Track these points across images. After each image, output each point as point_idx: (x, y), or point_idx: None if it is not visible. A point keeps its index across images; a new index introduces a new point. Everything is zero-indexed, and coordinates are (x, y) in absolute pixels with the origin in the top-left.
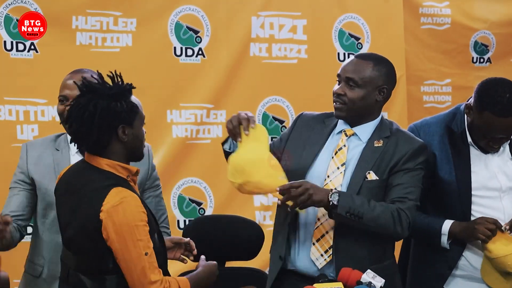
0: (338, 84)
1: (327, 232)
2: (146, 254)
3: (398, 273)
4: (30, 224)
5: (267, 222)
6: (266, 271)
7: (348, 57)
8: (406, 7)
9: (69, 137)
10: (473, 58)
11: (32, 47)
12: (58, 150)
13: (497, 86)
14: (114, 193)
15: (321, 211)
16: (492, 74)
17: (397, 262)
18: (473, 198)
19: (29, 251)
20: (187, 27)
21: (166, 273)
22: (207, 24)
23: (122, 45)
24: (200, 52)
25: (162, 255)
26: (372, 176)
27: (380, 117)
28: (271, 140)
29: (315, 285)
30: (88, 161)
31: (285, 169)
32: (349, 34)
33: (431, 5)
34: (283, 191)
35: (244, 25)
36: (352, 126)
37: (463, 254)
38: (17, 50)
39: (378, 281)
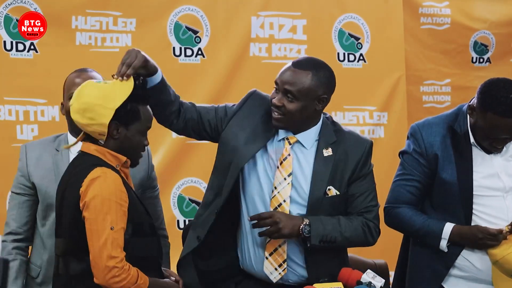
0: (276, 92)
1: (279, 246)
2: (112, 228)
3: None
4: (30, 244)
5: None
6: None
7: (348, 57)
8: (406, 7)
9: (69, 137)
10: (472, 58)
11: (32, 47)
12: (58, 150)
13: (500, 86)
14: (96, 170)
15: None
16: (492, 74)
17: (397, 260)
18: (475, 199)
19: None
20: (186, 27)
21: (159, 275)
22: (206, 24)
23: (122, 45)
24: (199, 52)
25: (155, 250)
26: (332, 191)
27: (321, 120)
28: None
29: (315, 285)
30: (81, 149)
31: (220, 154)
32: (349, 34)
33: (431, 5)
34: (253, 218)
35: (244, 25)
36: (294, 133)
37: (465, 255)
38: (17, 50)
39: (378, 281)
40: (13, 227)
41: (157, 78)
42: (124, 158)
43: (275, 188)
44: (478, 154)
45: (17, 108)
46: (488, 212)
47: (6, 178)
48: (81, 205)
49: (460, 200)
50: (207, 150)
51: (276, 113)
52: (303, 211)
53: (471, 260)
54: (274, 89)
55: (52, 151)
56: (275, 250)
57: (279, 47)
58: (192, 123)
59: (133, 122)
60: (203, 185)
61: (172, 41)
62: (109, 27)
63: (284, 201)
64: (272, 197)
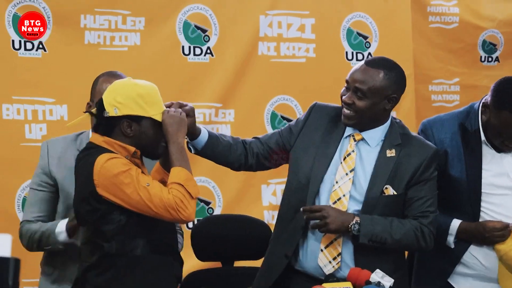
0: (346, 89)
1: (335, 239)
2: (147, 185)
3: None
4: None
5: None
6: None
7: (356, 56)
8: (414, 6)
9: (90, 135)
10: (481, 57)
11: (41, 46)
12: (79, 151)
13: None
14: (103, 155)
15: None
16: (501, 73)
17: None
18: (483, 196)
19: (45, 252)
20: (195, 26)
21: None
22: (215, 23)
23: (131, 44)
24: (208, 51)
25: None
26: (389, 191)
27: (389, 121)
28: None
29: (324, 284)
30: (89, 140)
31: (293, 171)
32: (357, 33)
33: (439, 4)
34: (305, 210)
35: (252, 24)
36: (360, 130)
37: (472, 252)
38: (25, 49)
39: (387, 281)
40: (34, 216)
41: (203, 137)
42: (132, 149)
43: (336, 182)
44: (488, 152)
45: (25, 107)
46: (496, 210)
47: (16, 177)
48: (101, 192)
49: (468, 197)
50: None
51: (346, 111)
52: (359, 207)
53: (478, 257)
54: (345, 87)
55: (74, 151)
56: (331, 243)
57: (288, 46)
58: (262, 155)
59: (143, 117)
60: (211, 185)
61: (181, 40)
62: (118, 26)
63: (344, 195)
64: (333, 191)
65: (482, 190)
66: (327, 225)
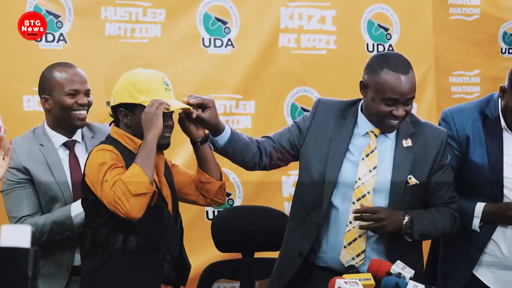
0: (393, 105)
1: (359, 236)
2: (105, 181)
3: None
4: None
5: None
6: None
7: (377, 48)
8: None
9: (47, 129)
10: (502, 48)
11: (61, 37)
12: (42, 145)
13: None
14: (97, 146)
15: (353, 214)
16: None
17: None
18: (505, 182)
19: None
20: (215, 18)
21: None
22: (235, 15)
23: (151, 36)
24: (229, 43)
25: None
26: (413, 180)
27: None
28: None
29: (344, 275)
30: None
31: (306, 169)
32: (378, 25)
33: None
34: (359, 212)
35: (273, 16)
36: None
37: (495, 239)
38: (46, 41)
39: (408, 272)
40: (27, 212)
41: (226, 134)
42: (139, 141)
43: (359, 179)
44: (509, 138)
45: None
46: None
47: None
48: (86, 180)
49: (490, 182)
50: None
51: (394, 122)
52: (385, 200)
53: (499, 245)
54: (389, 104)
55: (36, 145)
56: (354, 240)
57: (308, 38)
58: (275, 153)
59: (136, 105)
60: (231, 176)
61: (201, 32)
62: (138, 17)
63: (368, 192)
64: (356, 188)
65: (504, 175)
66: (384, 227)
